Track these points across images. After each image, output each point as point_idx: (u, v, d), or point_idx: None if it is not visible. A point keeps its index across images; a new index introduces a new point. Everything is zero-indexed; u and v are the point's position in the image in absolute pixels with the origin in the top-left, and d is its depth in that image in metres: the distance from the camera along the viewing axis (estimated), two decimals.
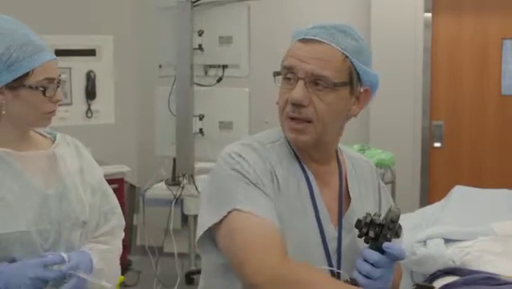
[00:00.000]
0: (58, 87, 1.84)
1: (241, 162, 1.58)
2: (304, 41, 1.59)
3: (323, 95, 1.56)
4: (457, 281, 2.77)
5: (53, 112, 1.86)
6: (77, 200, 1.90)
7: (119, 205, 2.07)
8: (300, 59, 1.57)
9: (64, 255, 1.80)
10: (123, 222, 2.08)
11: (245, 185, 1.55)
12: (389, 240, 1.52)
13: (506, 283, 2.65)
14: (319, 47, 1.57)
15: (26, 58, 1.79)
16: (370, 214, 1.54)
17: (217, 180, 1.62)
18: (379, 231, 1.52)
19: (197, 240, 1.61)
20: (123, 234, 2.08)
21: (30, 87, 1.80)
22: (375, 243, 1.53)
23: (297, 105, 1.56)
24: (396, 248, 1.52)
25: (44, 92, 1.81)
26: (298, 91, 1.55)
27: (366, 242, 1.55)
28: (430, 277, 3.09)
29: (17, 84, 1.79)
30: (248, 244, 1.49)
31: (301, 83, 1.56)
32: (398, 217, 1.53)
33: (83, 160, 1.99)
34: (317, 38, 1.58)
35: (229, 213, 1.53)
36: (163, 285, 4.67)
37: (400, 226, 1.54)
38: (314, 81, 1.56)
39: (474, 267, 2.99)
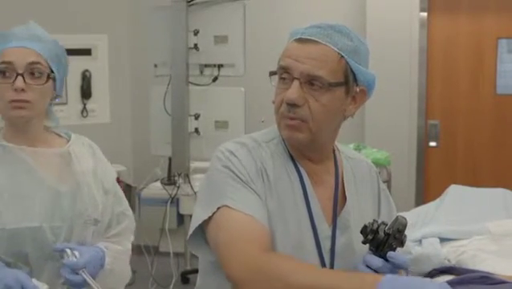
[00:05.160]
0: (19, 75, 1.80)
1: (233, 160, 1.59)
2: (300, 41, 1.58)
3: (318, 96, 1.55)
4: (453, 280, 2.78)
5: (16, 102, 1.81)
6: (90, 198, 1.92)
7: (130, 208, 2.09)
8: (296, 59, 1.56)
9: (76, 252, 1.81)
10: (133, 225, 2.10)
11: (235, 182, 1.56)
12: (394, 249, 1.51)
13: (502, 282, 2.66)
14: (315, 47, 1.56)
15: None
16: (376, 221, 1.53)
17: (208, 177, 1.63)
18: (385, 240, 1.51)
19: (188, 236, 1.61)
20: (132, 237, 2.10)
21: None
22: (380, 251, 1.52)
23: (291, 105, 1.55)
24: (400, 258, 1.51)
25: (4, 74, 1.80)
26: (293, 92, 1.55)
27: (370, 248, 1.54)
28: (425, 276, 3.09)
29: None
30: (230, 241, 1.50)
31: (296, 83, 1.55)
32: (405, 227, 1.52)
33: (97, 161, 2.01)
34: (313, 38, 1.57)
35: (218, 209, 1.53)
36: (158, 284, 4.67)
37: (405, 236, 1.53)
38: (310, 81, 1.55)
39: (470, 266, 3.00)
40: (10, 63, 1.81)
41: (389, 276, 1.35)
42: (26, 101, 1.82)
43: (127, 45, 5.41)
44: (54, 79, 1.89)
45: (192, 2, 4.44)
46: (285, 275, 1.41)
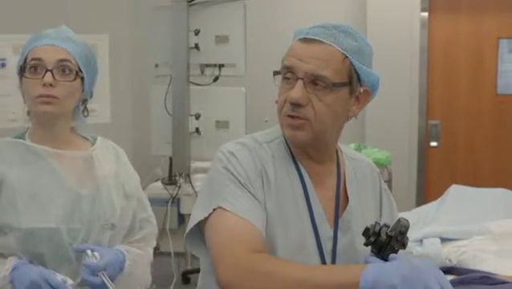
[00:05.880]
0: (49, 71, 1.84)
1: (233, 161, 1.59)
2: (304, 40, 1.58)
3: (322, 96, 1.55)
4: (454, 280, 2.77)
5: (44, 97, 1.85)
6: (108, 202, 1.93)
7: (153, 214, 2.11)
8: (300, 58, 1.56)
9: (96, 254, 1.82)
10: (156, 231, 2.11)
11: (233, 184, 1.56)
12: (396, 251, 1.50)
13: (503, 282, 2.66)
14: (319, 47, 1.56)
15: (25, 46, 1.90)
16: (379, 223, 1.51)
17: (208, 177, 1.64)
18: (387, 242, 1.50)
19: (185, 234, 1.62)
20: (155, 243, 2.11)
21: (24, 70, 1.87)
22: (382, 253, 1.51)
23: (295, 105, 1.55)
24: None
25: (34, 70, 1.85)
26: (297, 91, 1.54)
27: (372, 250, 1.53)
28: None
29: (21, 74, 1.89)
30: (221, 243, 1.50)
31: (300, 82, 1.55)
32: (407, 229, 1.50)
33: (120, 166, 2.03)
34: (317, 38, 1.57)
35: (214, 210, 1.54)
36: (159, 284, 4.66)
37: (407, 238, 1.52)
38: (314, 81, 1.55)
39: (470, 266, 2.99)
40: (40, 59, 1.86)
41: (373, 264, 1.33)
42: (54, 97, 1.85)
43: (127, 45, 5.39)
44: (82, 79, 1.92)
45: (192, 2, 4.44)
46: (273, 274, 1.41)
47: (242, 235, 1.50)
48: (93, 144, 2.01)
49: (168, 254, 4.57)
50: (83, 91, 1.95)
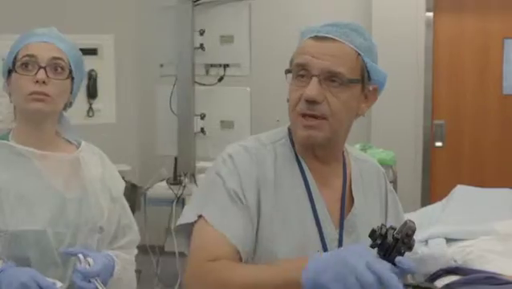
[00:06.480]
0: (42, 68, 1.83)
1: (228, 164, 1.58)
2: (317, 38, 1.58)
3: (337, 92, 1.55)
4: (459, 280, 2.77)
5: (36, 94, 1.83)
6: (96, 205, 1.92)
7: (134, 221, 2.10)
8: (314, 56, 1.56)
9: (90, 259, 1.80)
10: (138, 238, 2.11)
11: (220, 193, 1.56)
12: (402, 254, 1.50)
13: (508, 283, 2.65)
14: (333, 45, 1.57)
15: (15, 44, 1.88)
16: (385, 226, 1.50)
17: (205, 178, 1.65)
18: (394, 245, 1.49)
19: (174, 233, 1.64)
20: (136, 251, 2.10)
21: (14, 66, 1.85)
22: (388, 256, 1.50)
23: (311, 102, 1.55)
24: (408, 263, 1.50)
25: (26, 67, 1.83)
26: (313, 88, 1.54)
27: (378, 252, 1.52)
28: (431, 276, 3.09)
29: (9, 71, 1.87)
30: (192, 252, 1.53)
31: (315, 80, 1.55)
32: (414, 231, 1.50)
33: (106, 170, 2.01)
34: (330, 36, 1.58)
35: (199, 217, 1.55)
36: (163, 284, 4.67)
37: (413, 240, 1.52)
38: (330, 78, 1.55)
39: (476, 267, 2.99)
40: (32, 56, 1.84)
41: (311, 261, 1.33)
42: (46, 94, 1.83)
43: (133, 45, 5.41)
44: (72, 80, 1.91)
45: (198, 2, 4.44)
46: (221, 280, 1.43)
47: (211, 246, 1.51)
48: (77, 148, 1.99)
49: (173, 253, 4.57)
50: (71, 92, 1.93)
